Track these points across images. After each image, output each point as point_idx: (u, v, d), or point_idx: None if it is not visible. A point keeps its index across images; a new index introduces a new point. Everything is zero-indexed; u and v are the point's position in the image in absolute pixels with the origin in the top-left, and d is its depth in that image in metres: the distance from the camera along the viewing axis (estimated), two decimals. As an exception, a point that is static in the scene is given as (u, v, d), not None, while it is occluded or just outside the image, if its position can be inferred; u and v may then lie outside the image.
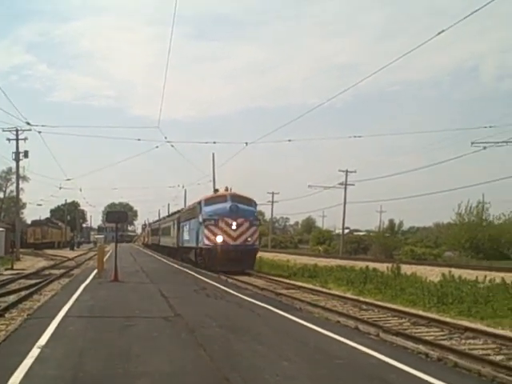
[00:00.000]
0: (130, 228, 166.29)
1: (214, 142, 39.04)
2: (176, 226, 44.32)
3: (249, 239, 30.03)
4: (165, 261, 42.76)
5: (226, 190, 32.41)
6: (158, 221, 78.71)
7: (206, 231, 29.96)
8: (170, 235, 49.60)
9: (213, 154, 51.32)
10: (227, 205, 30.10)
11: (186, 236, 37.64)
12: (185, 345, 9.39)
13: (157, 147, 36.54)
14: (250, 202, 31.75)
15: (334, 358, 8.50)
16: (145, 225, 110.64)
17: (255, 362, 8.12)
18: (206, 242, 29.92)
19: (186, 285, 21.05)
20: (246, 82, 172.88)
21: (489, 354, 10.03)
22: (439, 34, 15.31)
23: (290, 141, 36.19)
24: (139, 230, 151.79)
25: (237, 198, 30.88)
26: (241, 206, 30.20)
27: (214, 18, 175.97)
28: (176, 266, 35.17)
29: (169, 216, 60.21)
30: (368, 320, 13.58)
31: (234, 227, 29.68)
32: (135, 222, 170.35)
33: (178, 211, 49.26)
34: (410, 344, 9.89)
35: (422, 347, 9.59)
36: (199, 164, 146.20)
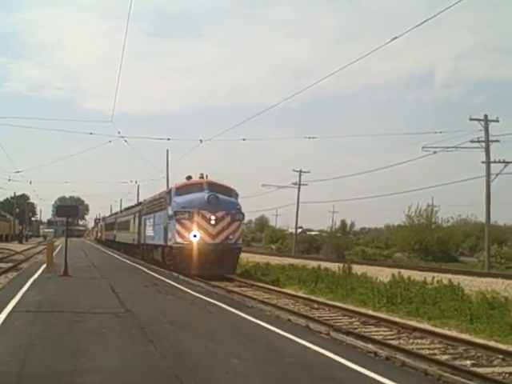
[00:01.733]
0: (81, 222, 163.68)
1: (168, 139, 38.72)
2: (137, 220, 39.10)
3: (230, 237, 24.68)
4: (116, 256, 42.21)
5: (202, 177, 26.62)
6: (113, 214, 72.92)
7: (177, 226, 24.49)
8: (128, 230, 44.69)
9: (167, 151, 51.00)
10: (204, 195, 24.63)
11: (149, 232, 32.53)
12: (135, 341, 9.28)
13: (110, 142, 35.87)
14: (230, 191, 26.48)
15: (285, 356, 8.53)
16: (98, 219, 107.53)
17: (206, 359, 8.09)
18: (178, 239, 24.50)
19: (138, 281, 20.82)
20: (202, 80, 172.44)
21: (435, 354, 10.23)
22: (393, 39, 15.50)
23: (244, 140, 36.09)
24: (91, 225, 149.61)
25: (215, 187, 25.64)
26: (221, 197, 24.88)
27: (171, 15, 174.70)
28: (128, 261, 34.74)
29: (127, 209, 54.35)
30: (319, 319, 13.69)
31: (212, 222, 24.28)
32: (86, 217, 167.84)
33: (140, 203, 43.41)
34: (359, 343, 10.00)
35: (371, 346, 9.71)
36: (153, 160, 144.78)
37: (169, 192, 27.19)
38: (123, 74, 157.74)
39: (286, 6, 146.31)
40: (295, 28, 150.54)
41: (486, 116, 38.29)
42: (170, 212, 25.53)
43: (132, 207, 49.37)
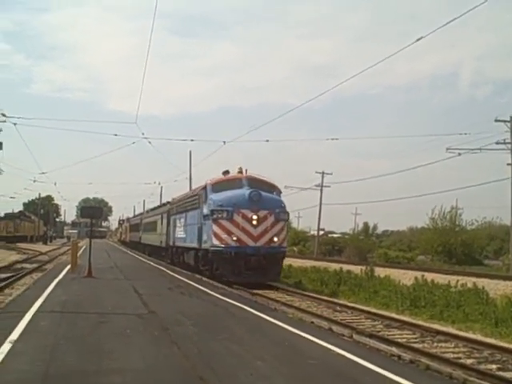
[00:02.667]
0: (104, 224, 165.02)
1: (192, 140, 38.74)
2: (165, 221, 36.49)
3: (275, 239, 21.84)
4: (139, 258, 42.46)
5: (240, 171, 23.91)
6: (138, 215, 70.29)
7: (214, 227, 21.74)
8: (155, 231, 41.89)
9: (190, 152, 51.11)
10: (245, 191, 21.94)
11: (180, 233, 29.76)
12: (158, 342, 9.33)
13: (133, 143, 36.08)
14: (273, 188, 23.76)
15: (308, 358, 8.52)
16: (122, 220, 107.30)
17: (229, 361, 8.11)
18: (215, 242, 21.72)
19: (161, 282, 20.95)
20: (224, 80, 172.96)
21: (460, 358, 10.14)
22: (418, 40, 15.43)
23: (267, 141, 36.06)
24: (114, 226, 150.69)
25: (256, 183, 22.90)
26: (264, 194, 22.11)
27: (193, 16, 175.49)
28: (151, 263, 34.92)
29: (153, 209, 51.38)
30: (342, 321, 13.65)
31: (254, 222, 21.58)
32: (110, 218, 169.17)
33: (168, 202, 39.96)
34: (383, 346, 9.96)
35: (394, 349, 9.66)
36: (176, 161, 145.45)
37: (204, 188, 24.05)
38: (148, 75, 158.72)
39: (307, 4, 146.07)
40: (317, 27, 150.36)
41: (511, 117, 37.85)
42: (206, 211, 22.89)
43: (159, 207, 47.22)
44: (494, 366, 9.50)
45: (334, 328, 11.80)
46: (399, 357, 9.11)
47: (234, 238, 21.40)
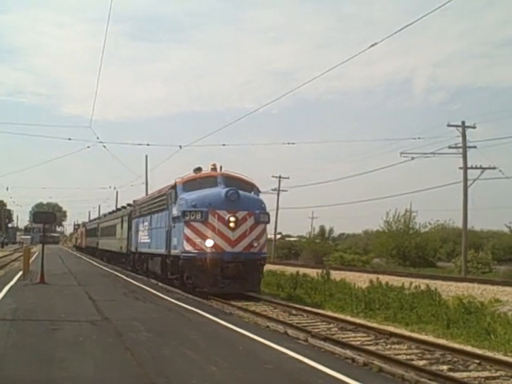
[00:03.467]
0: (58, 229, 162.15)
1: (148, 144, 38.55)
2: (125, 225, 33.87)
3: (254, 244, 19.56)
4: (94, 263, 41.85)
5: (214, 168, 21.55)
6: (96, 219, 66.33)
7: (186, 231, 19.33)
8: (114, 236, 39.23)
9: (146, 156, 50.77)
10: (221, 190, 19.71)
11: (144, 238, 27.02)
12: (111, 349, 9.20)
13: (88, 147, 35.62)
14: (251, 186, 21.43)
15: (263, 362, 8.52)
16: (77, 225, 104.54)
17: (183, 367, 8.04)
18: (187, 247, 19.28)
19: (115, 288, 20.69)
20: (182, 84, 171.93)
21: (412, 359, 10.29)
22: (372, 46, 15.63)
23: (224, 145, 36.05)
24: (68, 231, 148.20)
25: (233, 181, 20.71)
26: (242, 193, 19.89)
27: (151, 20, 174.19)
28: (106, 268, 34.47)
29: (112, 212, 48.37)
30: (297, 325, 13.70)
31: (232, 225, 19.25)
32: (64, 223, 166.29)
33: (129, 205, 37.39)
34: (337, 349, 10.03)
35: (349, 352, 9.74)
36: (132, 166, 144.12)
37: (173, 187, 21.44)
38: (104, 79, 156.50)
39: (268, 9, 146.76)
40: (277, 32, 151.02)
41: (463, 122, 38.74)
42: (176, 212, 20.47)
43: (118, 210, 44.59)
44: (444, 367, 9.67)
45: (290, 332, 11.84)
46: (353, 359, 9.18)
47: (209, 243, 18.99)
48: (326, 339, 11.58)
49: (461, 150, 38.67)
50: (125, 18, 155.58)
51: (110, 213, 50.97)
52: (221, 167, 21.42)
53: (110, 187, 70.10)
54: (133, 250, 30.20)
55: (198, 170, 22.02)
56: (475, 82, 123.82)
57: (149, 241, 25.64)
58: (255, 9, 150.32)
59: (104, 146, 35.35)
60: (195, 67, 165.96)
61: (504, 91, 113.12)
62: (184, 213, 19.46)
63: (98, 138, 34.45)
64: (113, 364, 8.09)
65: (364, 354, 10.15)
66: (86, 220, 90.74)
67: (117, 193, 71.16)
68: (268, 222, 20.85)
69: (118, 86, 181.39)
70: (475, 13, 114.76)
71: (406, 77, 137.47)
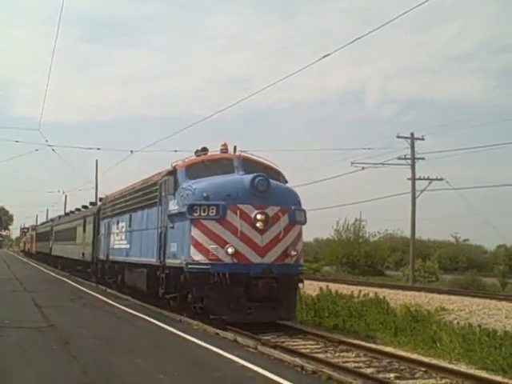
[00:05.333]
0: (4, 233, 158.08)
1: (98, 149, 37.86)
2: (90, 227, 28.59)
3: (292, 252, 14.29)
4: (43, 269, 40.91)
5: (225, 149, 16.01)
6: (49, 221, 58.25)
7: (195, 232, 13.93)
8: (73, 241, 33.88)
9: (96, 161, 49.96)
10: (243, 177, 14.48)
11: (119, 242, 21.36)
12: (57, 357, 9.00)
13: (37, 150, 34.80)
14: (277, 175, 15.98)
15: (212, 370, 8.47)
16: (25, 228, 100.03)
17: (131, 375, 7.93)
18: (196, 256, 13.83)
19: (63, 294, 20.24)
20: (136, 89, 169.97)
21: (360, 367, 10.37)
22: (324, 57, 15.74)
23: (176, 151, 35.76)
24: (15, 235, 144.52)
25: (254, 166, 15.35)
26: (272, 182, 14.66)
27: (105, 22, 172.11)
28: (52, 274, 33.73)
29: (69, 214, 43.56)
30: (246, 332, 13.65)
31: (260, 225, 13.94)
32: (10, 227, 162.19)
33: (92, 204, 33.54)
34: (287, 357, 10.02)
35: (298, 360, 9.75)
36: (83, 170, 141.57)
37: (171, 174, 15.69)
38: (56, 81, 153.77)
39: (223, 18, 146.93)
40: (232, 40, 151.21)
41: (412, 134, 39.50)
42: (176, 207, 14.98)
43: (78, 210, 39.06)
44: (391, 375, 9.78)
45: (239, 339, 11.78)
46: (302, 367, 9.19)
47: (230, 250, 13.52)
48: (275, 347, 11.58)
49: (409, 161, 39.44)
50: (78, 19, 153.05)
51: (67, 214, 46.08)
52: (235, 148, 16.01)
53: (59, 191, 68.72)
54: (101, 257, 24.50)
55: (203, 151, 16.46)
56: (425, 95, 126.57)
57: (127, 246, 19.98)
58: (210, 16, 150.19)
59: (53, 150, 34.56)
60: (149, 72, 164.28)
61: (451, 105, 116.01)
62: (191, 207, 13.90)
63: (46, 141, 33.65)
64: (58, 373, 7.89)
65: (313, 361, 10.18)
66: (34, 224, 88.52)
67: (65, 197, 69.81)
68: (305, 222, 15.22)
69: (70, 88, 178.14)
70: (428, 28, 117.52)
71: (359, 88, 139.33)
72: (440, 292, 25.54)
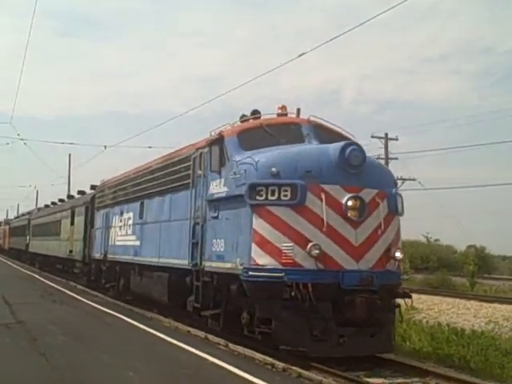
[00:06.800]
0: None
1: (71, 143, 37.55)
2: (80, 219, 24.55)
3: (397, 253, 10.48)
4: (11, 264, 40.39)
5: (283, 112, 12.25)
6: (25, 214, 52.59)
7: (259, 224, 9.89)
8: (57, 236, 30.07)
9: (69, 156, 49.40)
10: (329, 147, 10.38)
11: (124, 238, 17.24)
12: (25, 354, 8.91)
13: (8, 144, 34.34)
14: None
15: (182, 368, 8.45)
16: None
17: (100, 372, 7.87)
18: (260, 258, 9.82)
19: (33, 290, 20.03)
20: (111, 84, 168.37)
21: (332, 367, 10.40)
22: (300, 55, 15.77)
23: (150, 147, 35.60)
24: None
25: (328, 134, 11.52)
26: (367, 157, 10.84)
27: (78, 16, 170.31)
28: (22, 270, 33.33)
29: (48, 206, 39.30)
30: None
31: (354, 215, 9.99)
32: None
33: (80, 192, 29.01)
34: (257, 355, 10.01)
35: (268, 358, 9.75)
36: (55, 165, 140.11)
37: (214, 143, 11.57)
38: (29, 75, 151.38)
39: (199, 14, 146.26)
40: (207, 37, 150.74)
41: (386, 134, 39.88)
42: (221, 189, 11.08)
43: (62, 201, 35.14)
44: (362, 373, 9.84)
45: (210, 337, 11.75)
46: (273, 365, 9.20)
47: (314, 251, 9.58)
48: (246, 345, 11.57)
49: (383, 161, 39.78)
50: (52, 13, 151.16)
51: (46, 206, 40.78)
52: (298, 111, 12.65)
53: (30, 186, 67.81)
54: (97, 256, 20.33)
55: (255, 114, 12.36)
56: (400, 96, 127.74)
57: (136, 243, 16.00)
58: (186, 13, 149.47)
59: (25, 143, 34.13)
60: (123, 67, 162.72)
61: (426, 106, 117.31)
62: (253, 188, 9.96)
63: (18, 135, 33.22)
64: (26, 369, 7.81)
65: (284, 359, 10.19)
66: (3, 219, 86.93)
67: (37, 192, 68.88)
68: (402, 213, 11.18)
69: (44, 82, 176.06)
70: (405, 29, 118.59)
71: (335, 88, 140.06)
72: (411, 291, 25.74)
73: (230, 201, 10.71)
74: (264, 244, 9.81)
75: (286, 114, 12.26)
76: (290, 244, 9.68)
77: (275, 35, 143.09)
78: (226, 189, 10.95)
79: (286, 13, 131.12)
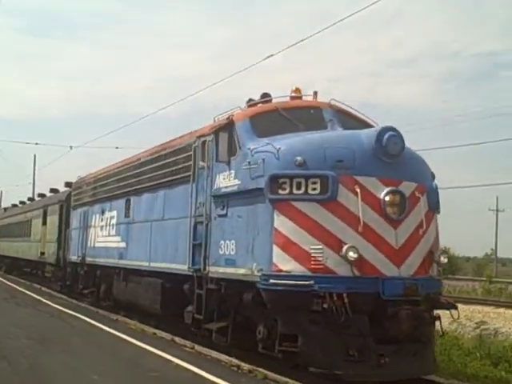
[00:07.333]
0: None
1: (36, 143, 37.05)
2: (54, 219, 22.99)
3: (442, 258, 9.19)
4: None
5: (297, 95, 10.79)
6: None
7: (282, 223, 8.40)
8: (26, 237, 28.46)
9: (34, 156, 48.85)
10: (361, 133, 8.95)
11: (106, 239, 15.78)
12: (-13, 358, 8.74)
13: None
14: None
15: (148, 370, 8.39)
16: None
17: (63, 376, 7.81)
18: (284, 263, 8.27)
19: (-5, 293, 19.69)
20: (81, 84, 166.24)
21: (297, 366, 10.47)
22: (268, 57, 15.83)
23: (117, 148, 35.30)
24: None
25: (350, 121, 10.17)
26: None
27: (48, 15, 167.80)
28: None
29: (17, 205, 36.96)
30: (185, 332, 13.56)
31: (393, 212, 8.53)
32: None
33: (53, 190, 27.15)
34: (224, 356, 10.00)
35: (234, 360, 9.75)
36: (21, 166, 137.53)
37: (222, 129, 10.07)
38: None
39: (174, 15, 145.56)
40: (183, 38, 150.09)
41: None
42: (232, 182, 9.65)
43: (31, 200, 33.80)
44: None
45: (177, 339, 11.70)
46: (238, 367, 9.20)
47: (352, 254, 8.12)
48: (212, 347, 11.55)
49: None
50: (19, 11, 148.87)
51: (14, 205, 38.18)
52: (315, 94, 10.85)
53: (-6, 187, 66.53)
54: (73, 259, 18.85)
55: (265, 97, 10.87)
56: (368, 99, 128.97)
57: (121, 245, 14.47)
58: (161, 14, 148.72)
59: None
60: (95, 68, 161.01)
61: (393, 109, 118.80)
62: (275, 180, 8.54)
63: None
64: (-13, 373, 7.68)
65: (250, 361, 10.21)
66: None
67: (1, 193, 67.71)
68: (439, 210, 9.76)
69: (11, 82, 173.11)
70: (372, 32, 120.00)
71: (303, 90, 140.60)
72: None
73: (243, 196, 9.24)
74: (288, 246, 8.33)
75: (300, 98, 10.93)
76: (320, 246, 8.21)
77: (251, 38, 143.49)
78: (237, 182, 9.48)
79: (261, 15, 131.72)
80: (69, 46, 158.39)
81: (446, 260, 9.36)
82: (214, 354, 10.21)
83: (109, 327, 12.31)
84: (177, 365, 8.92)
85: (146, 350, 10.05)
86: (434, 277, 9.07)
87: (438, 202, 9.58)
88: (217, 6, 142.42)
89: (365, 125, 10.11)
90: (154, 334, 12.22)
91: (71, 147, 34.32)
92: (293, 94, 10.80)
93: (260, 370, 8.82)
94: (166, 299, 11.73)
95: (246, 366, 9.08)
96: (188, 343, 11.06)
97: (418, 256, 8.73)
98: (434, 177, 9.69)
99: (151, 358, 9.47)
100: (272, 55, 15.93)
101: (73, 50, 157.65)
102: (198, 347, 10.86)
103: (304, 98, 10.89)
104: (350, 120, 10.20)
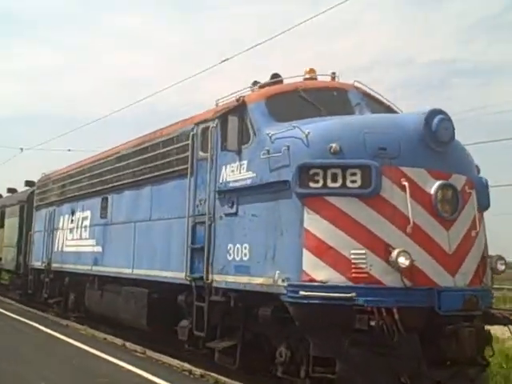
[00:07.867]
0: None
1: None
2: (14, 221, 21.03)
3: (499, 264, 7.74)
4: None
5: (312, 76, 9.18)
6: None
7: (314, 223, 6.91)
8: None
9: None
10: (405, 117, 7.68)
11: (79, 243, 14.09)
12: None
13: None
14: None
15: (97, 376, 8.32)
16: None
17: (10, 383, 7.64)
18: (318, 272, 6.78)
19: None
20: (32, 85, 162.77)
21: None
22: (223, 61, 15.89)
23: (69, 150, 34.78)
24: None
25: (376, 106, 8.84)
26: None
27: (1, 14, 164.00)
28: None
29: None
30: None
31: (446, 210, 7.10)
32: None
33: (10, 190, 24.94)
34: (175, 361, 9.98)
35: (186, 365, 9.73)
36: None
37: (230, 112, 8.47)
38: None
39: (129, 17, 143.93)
40: (136, 40, 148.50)
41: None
42: (244, 175, 8.08)
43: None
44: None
45: (128, 344, 11.60)
46: (190, 371, 9.20)
47: (403, 261, 6.59)
48: (164, 351, 11.50)
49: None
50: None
51: None
52: (334, 74, 9.39)
53: None
54: (37, 265, 17.13)
55: (275, 78, 9.25)
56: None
57: (96, 249, 12.94)
58: (114, 15, 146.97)
59: None
60: (45, 68, 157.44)
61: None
62: (305, 171, 7.13)
63: None
64: None
65: (202, 366, 10.20)
66: None
67: None
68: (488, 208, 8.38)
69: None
70: (331, 38, 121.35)
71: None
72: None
73: (260, 190, 7.74)
74: (322, 251, 6.87)
75: (314, 77, 9.40)
76: (363, 251, 6.75)
77: (205, 41, 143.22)
78: (251, 174, 7.97)
79: (213, 18, 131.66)
80: (19, 45, 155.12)
81: (503, 267, 7.86)
82: (166, 358, 10.19)
83: (59, 333, 12.16)
84: (127, 370, 8.87)
85: (96, 355, 9.98)
86: (489, 287, 7.74)
87: (489, 199, 8.21)
88: (168, 8, 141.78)
89: (391, 111, 9.12)
90: (105, 339, 12.12)
91: (22, 149, 33.57)
92: (307, 76, 9.30)
93: (212, 374, 8.86)
94: (154, 312, 10.24)
95: (197, 371, 9.09)
96: (139, 348, 11.00)
97: (472, 262, 7.37)
98: (479, 170, 8.32)
99: (102, 363, 9.40)
100: (227, 59, 15.97)
101: (23, 49, 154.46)
102: (149, 352, 10.82)
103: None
104: (375, 105, 8.96)
